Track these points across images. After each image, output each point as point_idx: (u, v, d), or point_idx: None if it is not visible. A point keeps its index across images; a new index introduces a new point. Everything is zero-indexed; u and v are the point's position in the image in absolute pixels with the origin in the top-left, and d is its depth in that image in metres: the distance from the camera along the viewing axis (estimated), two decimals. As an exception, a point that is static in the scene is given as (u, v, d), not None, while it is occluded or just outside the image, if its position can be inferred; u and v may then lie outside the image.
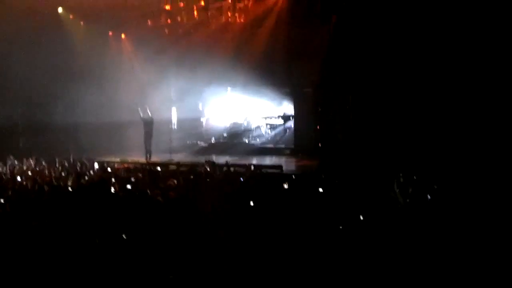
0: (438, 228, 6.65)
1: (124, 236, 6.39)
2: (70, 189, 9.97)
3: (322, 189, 9.45)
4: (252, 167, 14.34)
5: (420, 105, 16.19)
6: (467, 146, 14.52)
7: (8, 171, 13.07)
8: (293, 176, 12.61)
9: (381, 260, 5.78)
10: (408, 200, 8.47)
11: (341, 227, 6.87)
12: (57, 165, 13.87)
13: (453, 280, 5.45)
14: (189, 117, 23.75)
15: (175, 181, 10.51)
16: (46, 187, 9.96)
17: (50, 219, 7.23)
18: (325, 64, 18.95)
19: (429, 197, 8.39)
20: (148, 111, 19.13)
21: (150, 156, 18.77)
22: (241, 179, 11.20)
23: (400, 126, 16.46)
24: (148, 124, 19.09)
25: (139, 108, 19.03)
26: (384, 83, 17.00)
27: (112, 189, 9.69)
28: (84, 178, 11.80)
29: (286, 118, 22.54)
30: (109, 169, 13.53)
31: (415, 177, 10.52)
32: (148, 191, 9.06)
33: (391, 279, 5.54)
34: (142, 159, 18.33)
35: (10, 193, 9.48)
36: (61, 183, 10.89)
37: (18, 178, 11.38)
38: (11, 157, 15.09)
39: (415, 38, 16.12)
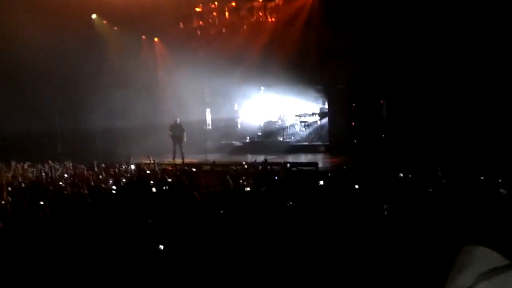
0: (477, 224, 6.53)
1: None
2: (112, 191, 10.12)
3: (358, 186, 9.39)
4: (288, 165, 14.35)
5: (455, 100, 16.03)
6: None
7: (46, 174, 13.32)
8: (329, 173, 12.54)
9: (418, 257, 5.70)
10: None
11: (376, 223, 6.81)
12: (95, 169, 14.07)
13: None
14: (223, 118, 23.89)
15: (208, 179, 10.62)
16: (84, 190, 10.14)
17: (91, 220, 7.35)
18: (358, 60, 18.85)
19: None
20: (177, 120, 19.42)
21: (183, 158, 18.95)
22: (276, 177, 11.18)
23: (435, 121, 16.30)
24: (178, 130, 19.36)
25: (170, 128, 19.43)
26: (418, 78, 16.87)
27: (154, 189, 9.82)
28: (122, 180, 11.97)
29: (320, 115, 22.44)
30: (148, 171, 13.68)
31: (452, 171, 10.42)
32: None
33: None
34: (178, 161, 18.51)
35: (49, 195, 9.66)
36: (100, 185, 11.08)
37: (60, 183, 11.58)
38: (50, 161, 15.37)
39: (451, 31, 15.95)
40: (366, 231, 6.56)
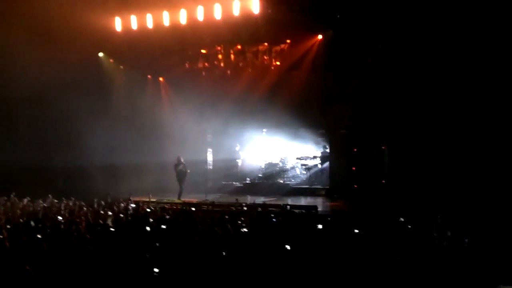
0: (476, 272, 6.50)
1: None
2: (110, 228, 10.10)
3: (358, 230, 9.36)
4: (288, 207, 14.35)
5: (457, 148, 16.11)
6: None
7: (46, 210, 13.32)
8: (328, 217, 12.50)
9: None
10: (445, 243, 8.32)
11: (376, 268, 6.77)
12: (95, 206, 14.09)
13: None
14: (225, 158, 23.90)
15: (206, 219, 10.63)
16: (83, 226, 10.15)
17: (88, 257, 7.34)
18: (360, 106, 19.00)
19: (466, 240, 8.21)
20: (182, 159, 19.58)
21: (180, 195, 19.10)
22: (274, 219, 11.16)
23: (435, 169, 16.34)
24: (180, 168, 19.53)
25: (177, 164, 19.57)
26: (420, 125, 16.98)
27: (148, 228, 9.80)
28: (121, 217, 11.96)
29: (321, 159, 22.46)
30: (147, 209, 13.67)
31: (453, 219, 10.39)
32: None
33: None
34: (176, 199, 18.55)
35: (48, 231, 9.65)
36: (99, 222, 11.07)
37: (59, 218, 11.59)
38: (50, 196, 15.41)
39: (453, 81, 16.15)
40: (366, 276, 6.53)
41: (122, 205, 14.36)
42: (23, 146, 19.81)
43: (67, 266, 6.90)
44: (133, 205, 14.44)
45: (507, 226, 9.36)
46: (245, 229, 9.73)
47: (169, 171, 20.61)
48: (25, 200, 14.74)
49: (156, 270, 6.47)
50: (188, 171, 19.66)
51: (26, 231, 9.51)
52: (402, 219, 10.62)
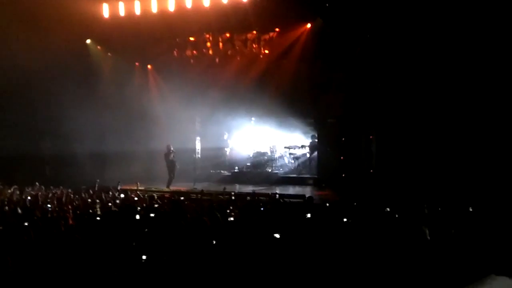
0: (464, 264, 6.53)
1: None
2: (96, 216, 10.05)
3: (347, 219, 9.38)
4: (277, 196, 14.37)
5: (445, 138, 16.20)
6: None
7: (33, 198, 13.23)
8: (317, 206, 12.53)
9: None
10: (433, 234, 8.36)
11: (365, 258, 6.79)
12: (82, 194, 14.02)
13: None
14: (213, 147, 23.85)
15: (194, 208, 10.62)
16: (70, 215, 10.09)
17: (75, 245, 7.30)
18: (349, 95, 19.03)
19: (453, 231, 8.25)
20: (172, 148, 19.61)
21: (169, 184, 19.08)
22: (262, 208, 11.17)
23: (423, 159, 16.43)
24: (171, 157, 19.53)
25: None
26: (408, 116, 17.05)
27: (137, 216, 9.77)
28: (109, 205, 11.91)
29: (310, 148, 22.49)
30: (135, 198, 13.63)
31: (439, 208, 10.46)
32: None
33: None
34: (165, 188, 18.53)
35: (35, 219, 9.58)
36: (86, 210, 11.02)
37: (48, 205, 11.53)
38: (37, 184, 15.31)
39: (439, 70, 16.21)
40: (355, 264, 6.54)
41: (110, 193, 14.31)
42: (9, 133, 19.62)
43: (54, 254, 6.86)
44: (121, 194, 14.39)
45: (497, 216, 9.41)
46: (232, 218, 9.73)
47: (157, 159, 20.57)
48: (13, 188, 14.65)
49: (144, 257, 6.45)
50: (178, 167, 19.67)
51: (13, 219, 9.45)
52: (388, 209, 10.67)
